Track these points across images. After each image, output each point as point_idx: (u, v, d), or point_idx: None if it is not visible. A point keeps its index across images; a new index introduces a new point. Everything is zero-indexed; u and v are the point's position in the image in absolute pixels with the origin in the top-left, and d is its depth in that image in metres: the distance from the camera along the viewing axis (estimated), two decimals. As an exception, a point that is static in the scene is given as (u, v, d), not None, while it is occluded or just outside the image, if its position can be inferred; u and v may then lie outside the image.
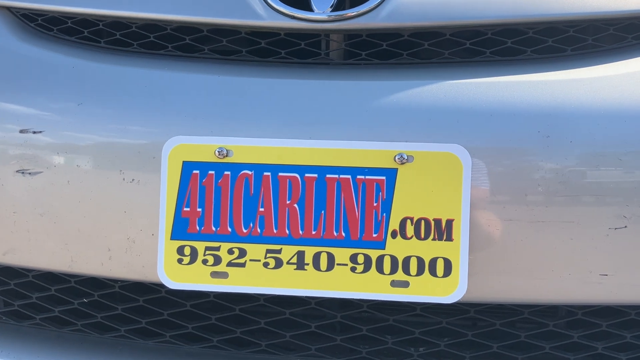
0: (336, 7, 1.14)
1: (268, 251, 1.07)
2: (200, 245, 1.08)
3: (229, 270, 1.08)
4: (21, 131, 1.16)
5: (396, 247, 1.05)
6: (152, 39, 1.22)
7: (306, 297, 1.17)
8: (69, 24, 1.26)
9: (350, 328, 1.20)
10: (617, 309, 1.16)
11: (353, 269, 1.06)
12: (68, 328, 1.29)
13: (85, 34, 1.25)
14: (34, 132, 1.16)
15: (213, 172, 1.08)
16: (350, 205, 1.05)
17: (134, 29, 1.23)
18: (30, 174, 1.16)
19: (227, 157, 1.07)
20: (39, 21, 1.28)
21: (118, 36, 1.24)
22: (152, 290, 1.24)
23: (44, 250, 1.18)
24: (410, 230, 1.05)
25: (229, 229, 1.07)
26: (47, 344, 1.28)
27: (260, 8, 1.15)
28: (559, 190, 1.04)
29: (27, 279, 1.28)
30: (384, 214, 1.05)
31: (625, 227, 1.04)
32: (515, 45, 1.14)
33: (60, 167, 1.14)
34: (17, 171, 1.16)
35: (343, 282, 1.06)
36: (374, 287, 1.06)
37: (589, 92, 1.07)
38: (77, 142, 1.15)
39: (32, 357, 1.26)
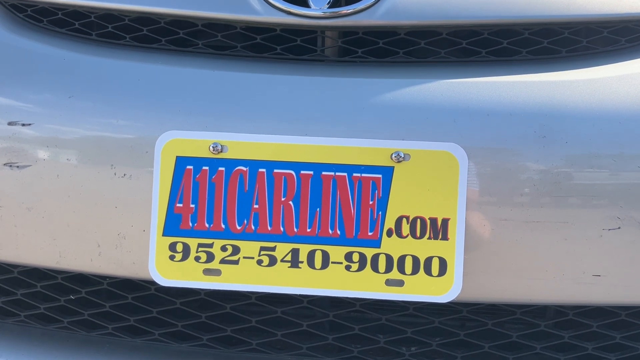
0: (333, 4, 1.13)
1: (262, 248, 1.06)
2: (192, 242, 1.07)
3: (222, 267, 1.06)
4: (9, 123, 1.14)
5: (391, 246, 1.04)
6: (145, 32, 1.20)
7: (299, 295, 1.16)
8: (60, 16, 1.24)
9: (342, 327, 1.19)
10: (608, 309, 1.16)
11: (348, 268, 1.05)
12: (54, 325, 1.26)
13: (76, 26, 1.23)
14: (23, 125, 1.13)
15: (207, 167, 1.06)
16: (346, 203, 1.04)
17: (126, 21, 1.21)
18: (18, 167, 1.13)
19: (221, 153, 1.06)
20: (29, 12, 1.25)
21: (110, 29, 1.22)
22: (142, 288, 1.22)
23: (32, 246, 1.15)
24: (405, 228, 1.04)
25: (223, 226, 1.06)
26: (31, 342, 1.26)
27: (256, 3, 1.14)
28: (554, 191, 1.05)
29: (12, 275, 1.26)
30: (380, 213, 1.04)
31: (619, 228, 1.05)
32: (511, 45, 1.15)
33: (50, 160, 1.12)
34: (4, 164, 1.13)
35: (337, 280, 1.05)
36: (368, 286, 1.05)
37: (584, 94, 1.08)
38: (67, 135, 1.12)
39: (16, 354, 1.23)
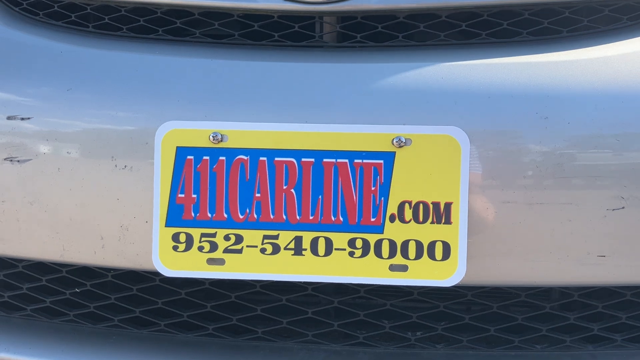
0: (330, -11, 1.12)
1: (265, 237, 1.05)
2: (195, 232, 1.06)
3: (226, 256, 1.06)
4: (9, 118, 1.13)
5: (394, 231, 1.04)
6: (142, 22, 1.20)
7: (304, 282, 1.16)
8: (56, 8, 1.23)
9: (348, 314, 1.19)
10: (613, 290, 1.16)
11: (351, 254, 1.05)
12: (60, 319, 1.27)
13: (73, 18, 1.22)
14: (22, 119, 1.13)
15: (208, 157, 1.06)
16: (348, 190, 1.04)
17: (123, 12, 1.20)
18: (19, 161, 1.13)
19: (221, 142, 1.06)
20: (24, 5, 1.24)
21: (107, 20, 1.21)
22: (146, 279, 1.22)
23: (35, 240, 1.15)
24: (408, 213, 1.04)
25: (225, 215, 1.06)
26: (38, 335, 1.26)
27: (253, -10, 1.13)
28: (557, 172, 1.04)
29: (17, 270, 1.26)
30: (382, 198, 1.04)
31: (623, 208, 1.04)
32: (511, 27, 1.13)
33: (50, 154, 1.12)
34: (5, 159, 1.13)
35: (341, 267, 1.05)
36: (372, 272, 1.05)
37: (585, 74, 1.07)
38: (66, 128, 1.12)
39: (23, 348, 1.23)
